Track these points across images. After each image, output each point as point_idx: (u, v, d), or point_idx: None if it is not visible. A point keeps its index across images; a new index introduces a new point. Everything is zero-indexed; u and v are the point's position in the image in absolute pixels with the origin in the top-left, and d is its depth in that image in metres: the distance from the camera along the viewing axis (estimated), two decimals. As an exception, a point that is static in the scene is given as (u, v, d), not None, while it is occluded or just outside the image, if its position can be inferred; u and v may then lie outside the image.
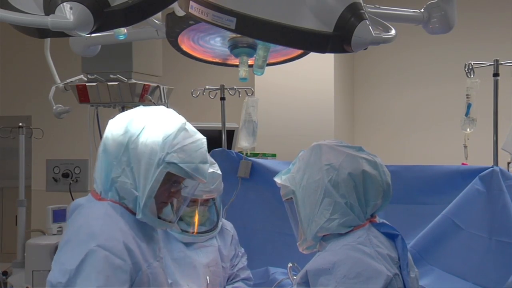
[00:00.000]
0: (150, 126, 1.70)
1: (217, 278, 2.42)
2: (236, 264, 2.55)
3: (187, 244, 2.38)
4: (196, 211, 2.37)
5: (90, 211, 1.70)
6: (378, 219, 1.96)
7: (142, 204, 1.68)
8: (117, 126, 1.73)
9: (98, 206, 1.71)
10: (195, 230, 2.38)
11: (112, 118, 1.80)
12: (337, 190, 1.85)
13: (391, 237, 1.91)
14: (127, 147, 1.68)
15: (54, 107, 3.02)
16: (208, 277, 2.37)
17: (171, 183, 1.74)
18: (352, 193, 1.85)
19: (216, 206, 2.46)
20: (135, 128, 1.70)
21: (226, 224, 2.58)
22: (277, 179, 2.03)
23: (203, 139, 1.76)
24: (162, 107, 1.81)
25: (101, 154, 1.74)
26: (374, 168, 1.90)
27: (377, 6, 1.85)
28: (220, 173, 2.41)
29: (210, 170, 2.29)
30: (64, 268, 1.57)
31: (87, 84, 2.87)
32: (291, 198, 1.95)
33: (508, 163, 3.06)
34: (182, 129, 1.72)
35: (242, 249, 2.63)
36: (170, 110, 1.79)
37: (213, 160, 2.38)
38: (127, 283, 1.60)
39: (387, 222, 1.93)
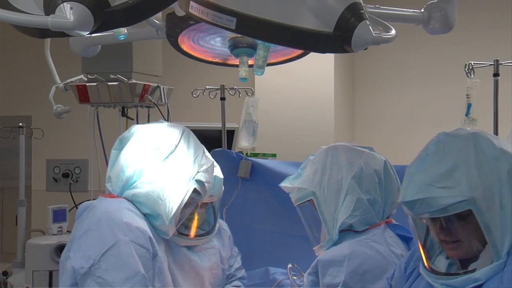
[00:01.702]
0: (183, 145, 1.89)
1: (218, 281, 2.42)
2: (233, 264, 2.55)
3: (190, 248, 2.38)
4: (195, 214, 2.36)
5: (107, 205, 1.78)
6: (393, 221, 1.97)
7: (172, 213, 1.82)
8: (154, 139, 1.88)
9: (114, 201, 1.81)
10: (193, 233, 2.37)
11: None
12: (361, 186, 1.87)
13: (405, 239, 1.92)
14: (165, 162, 1.83)
15: (54, 107, 3.02)
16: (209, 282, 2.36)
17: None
18: (376, 189, 1.87)
19: (214, 208, 2.45)
20: (171, 145, 1.86)
21: (223, 224, 2.56)
22: (287, 184, 2.03)
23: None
24: (182, 125, 2.00)
25: (128, 158, 1.85)
26: (390, 166, 1.93)
27: (377, 6, 1.84)
28: (222, 176, 2.39)
29: (214, 173, 2.30)
30: (87, 255, 1.64)
31: (87, 84, 2.87)
32: (308, 200, 1.95)
33: (508, 163, 3.05)
34: (204, 151, 1.96)
35: (236, 248, 2.62)
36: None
37: (214, 163, 2.38)
38: (151, 270, 1.71)
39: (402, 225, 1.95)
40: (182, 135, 1.89)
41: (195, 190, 1.87)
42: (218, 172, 2.37)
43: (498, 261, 1.46)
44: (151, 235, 1.75)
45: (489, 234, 1.46)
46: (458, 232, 1.52)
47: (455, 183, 1.48)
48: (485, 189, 1.46)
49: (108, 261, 1.62)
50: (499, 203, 1.46)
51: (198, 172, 1.86)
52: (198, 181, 1.86)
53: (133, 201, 1.80)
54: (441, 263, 1.58)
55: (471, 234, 1.50)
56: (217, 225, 2.46)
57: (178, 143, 1.86)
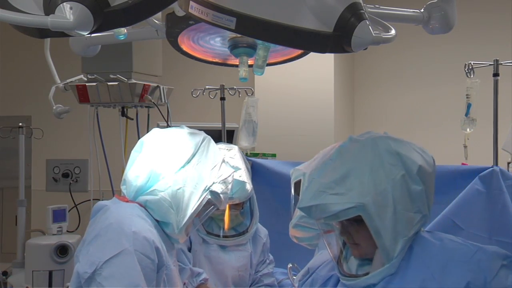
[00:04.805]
0: (201, 154, 1.86)
1: (243, 283, 2.43)
2: (261, 270, 2.56)
3: (223, 246, 2.40)
4: (226, 215, 2.37)
5: (119, 210, 1.78)
6: None
7: (183, 223, 1.79)
8: (172, 146, 1.85)
9: (126, 206, 1.80)
10: (221, 234, 2.39)
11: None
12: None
13: None
14: (181, 170, 1.81)
15: (54, 107, 3.02)
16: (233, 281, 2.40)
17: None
18: None
19: (252, 211, 2.45)
20: (188, 154, 1.83)
21: (261, 231, 2.57)
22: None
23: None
24: (203, 133, 1.96)
25: (144, 163, 1.83)
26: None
27: (377, 6, 1.84)
28: (243, 180, 2.36)
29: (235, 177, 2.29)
30: (92, 260, 1.63)
31: (87, 84, 2.87)
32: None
33: (508, 163, 3.06)
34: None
35: (271, 256, 2.62)
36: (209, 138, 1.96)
37: (239, 166, 2.37)
38: (154, 281, 1.69)
39: None
40: (201, 144, 1.87)
41: (209, 201, 1.85)
42: (239, 175, 2.34)
43: (389, 263, 1.50)
44: (158, 245, 1.73)
45: (378, 238, 1.50)
46: (354, 235, 1.56)
47: (347, 189, 1.51)
48: (377, 194, 1.49)
49: (110, 269, 1.61)
50: (392, 208, 1.49)
51: (214, 183, 1.84)
52: (213, 192, 1.84)
53: (146, 207, 1.80)
54: (353, 264, 1.62)
55: (368, 237, 1.53)
56: (253, 229, 2.46)
57: (196, 151, 1.84)
